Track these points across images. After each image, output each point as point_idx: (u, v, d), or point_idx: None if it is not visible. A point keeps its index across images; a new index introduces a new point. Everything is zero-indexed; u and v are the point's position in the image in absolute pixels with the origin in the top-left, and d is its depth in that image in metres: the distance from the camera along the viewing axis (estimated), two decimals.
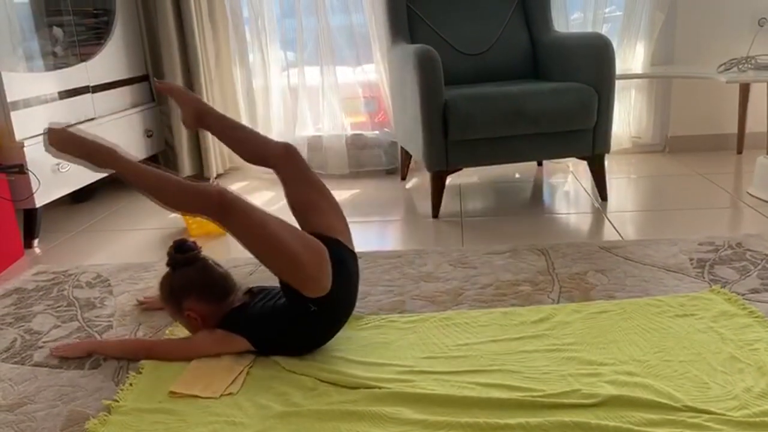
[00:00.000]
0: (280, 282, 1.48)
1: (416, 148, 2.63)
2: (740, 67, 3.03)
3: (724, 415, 1.21)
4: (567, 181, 3.09)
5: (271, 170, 1.67)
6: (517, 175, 3.23)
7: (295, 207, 1.62)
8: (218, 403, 1.36)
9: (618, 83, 2.82)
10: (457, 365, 1.45)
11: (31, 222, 2.52)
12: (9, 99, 2.36)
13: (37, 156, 2.43)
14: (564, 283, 1.87)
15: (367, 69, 3.38)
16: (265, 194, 3.10)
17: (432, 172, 2.57)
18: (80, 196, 3.09)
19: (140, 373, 1.49)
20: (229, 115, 3.32)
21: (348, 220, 1.62)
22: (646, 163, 3.32)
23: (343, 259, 1.50)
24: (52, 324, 1.80)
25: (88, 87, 2.85)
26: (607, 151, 2.63)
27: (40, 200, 2.46)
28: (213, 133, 1.77)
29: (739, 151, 3.36)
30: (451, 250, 2.19)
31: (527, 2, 3.08)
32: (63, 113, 2.67)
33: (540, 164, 3.36)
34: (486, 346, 1.53)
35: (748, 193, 2.68)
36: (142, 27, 3.31)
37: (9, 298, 2.00)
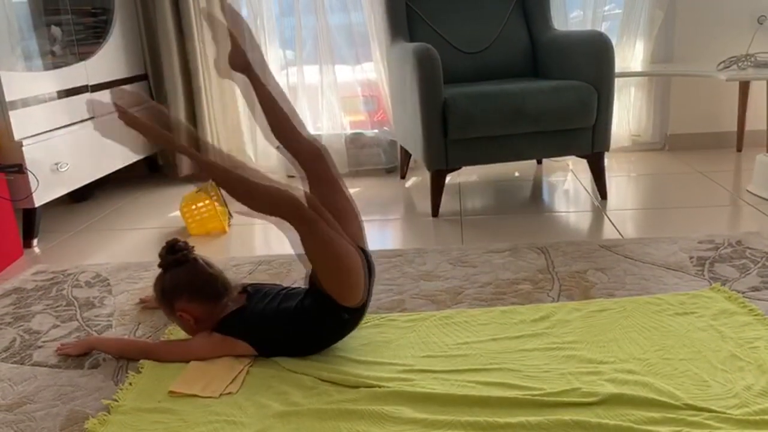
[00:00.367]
0: (311, 289, 1.49)
1: (416, 147, 2.63)
2: (740, 64, 3.03)
3: (724, 413, 1.21)
4: (567, 179, 3.08)
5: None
6: (516, 174, 3.23)
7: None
8: (218, 403, 1.36)
9: (617, 81, 2.82)
10: (457, 364, 1.45)
11: (30, 221, 2.52)
12: (7, 98, 2.36)
13: (35, 155, 2.43)
14: (564, 281, 1.87)
15: (366, 68, 3.37)
16: None
17: (431, 170, 2.57)
18: (79, 196, 3.09)
19: (140, 372, 1.49)
20: (229, 114, 3.39)
21: None
22: (646, 162, 3.31)
23: (372, 269, 1.53)
24: (51, 324, 1.80)
25: (86, 86, 2.84)
26: (607, 149, 2.63)
27: (39, 200, 2.46)
28: (254, 88, 1.72)
29: (739, 149, 3.36)
30: (450, 248, 2.19)
31: (526, 0, 3.08)
32: (62, 112, 2.66)
33: (539, 162, 3.36)
34: (486, 344, 1.53)
35: (747, 190, 2.68)
36: (140, 26, 3.31)
37: (8, 297, 2.00)
